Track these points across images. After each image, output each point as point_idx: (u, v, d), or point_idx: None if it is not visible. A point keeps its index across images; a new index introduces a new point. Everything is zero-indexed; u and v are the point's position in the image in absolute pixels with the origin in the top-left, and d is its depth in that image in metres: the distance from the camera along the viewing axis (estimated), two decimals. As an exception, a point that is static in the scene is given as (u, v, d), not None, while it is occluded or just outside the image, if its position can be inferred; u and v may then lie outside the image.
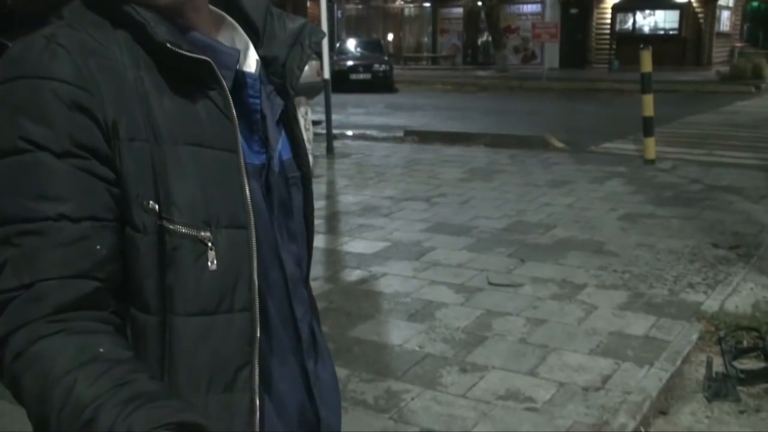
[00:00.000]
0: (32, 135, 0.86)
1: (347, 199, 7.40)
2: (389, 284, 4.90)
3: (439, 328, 4.17)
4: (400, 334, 4.11)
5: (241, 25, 1.09)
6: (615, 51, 26.82)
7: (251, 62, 1.06)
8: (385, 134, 12.09)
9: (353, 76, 20.69)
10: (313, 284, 4.38)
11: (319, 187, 7.99)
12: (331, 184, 8.28)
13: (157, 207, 0.91)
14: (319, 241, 5.94)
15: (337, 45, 23.23)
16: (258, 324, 0.98)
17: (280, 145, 1.08)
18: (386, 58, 22.47)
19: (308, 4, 31.17)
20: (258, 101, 1.04)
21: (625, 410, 3.26)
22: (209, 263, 0.93)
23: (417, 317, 4.34)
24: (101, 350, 0.85)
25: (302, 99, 8.78)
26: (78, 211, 0.87)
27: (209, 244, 0.93)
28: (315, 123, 9.81)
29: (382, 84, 20.79)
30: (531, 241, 5.81)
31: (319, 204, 7.23)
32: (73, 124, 0.87)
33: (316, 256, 5.50)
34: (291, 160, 1.12)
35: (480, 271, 5.10)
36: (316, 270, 5.19)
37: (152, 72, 0.94)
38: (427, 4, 31.37)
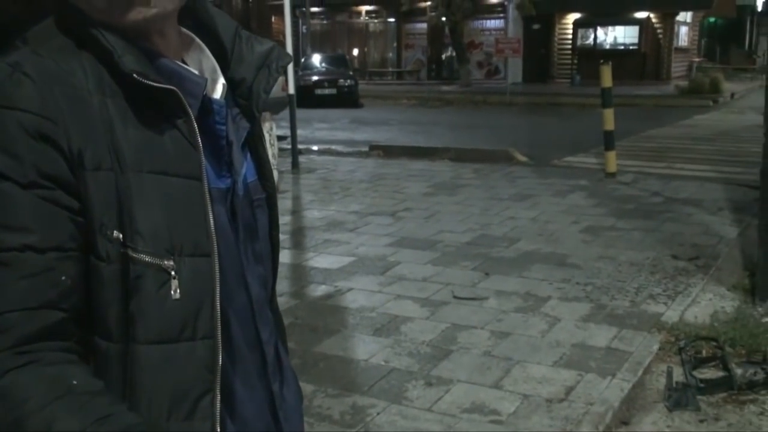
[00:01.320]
0: None
1: (312, 214, 7.41)
2: (355, 299, 4.91)
3: (404, 343, 4.19)
4: (365, 348, 4.12)
5: (209, 47, 1.09)
6: (577, 66, 27.19)
7: (218, 87, 1.06)
8: (350, 149, 12.12)
9: (318, 91, 20.71)
10: (278, 300, 4.36)
11: (284, 203, 7.97)
12: (296, 199, 8.27)
13: (121, 236, 0.90)
14: (284, 256, 5.92)
15: (302, 60, 23.25)
16: (220, 351, 0.98)
17: (245, 168, 1.09)
18: (351, 73, 22.55)
19: (273, 19, 31.21)
20: (224, 127, 1.04)
21: (588, 421, 3.31)
22: (172, 292, 0.93)
23: (382, 332, 4.35)
24: (74, 382, 0.86)
25: (267, 114, 8.77)
26: (43, 242, 0.87)
27: (172, 273, 0.93)
28: (280, 138, 9.81)
29: (347, 99, 20.83)
30: (495, 255, 5.86)
31: (284, 219, 7.22)
32: (38, 154, 0.87)
33: (282, 272, 5.47)
34: (256, 182, 1.12)
35: (445, 285, 5.14)
36: (282, 285, 5.18)
37: (117, 98, 0.93)
38: (392, 20, 31.54)
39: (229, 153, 1.05)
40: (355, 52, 31.95)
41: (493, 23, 29.57)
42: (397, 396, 3.57)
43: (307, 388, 3.65)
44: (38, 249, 0.87)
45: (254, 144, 1.13)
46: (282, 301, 4.82)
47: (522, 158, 10.71)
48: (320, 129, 15.39)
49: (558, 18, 28.69)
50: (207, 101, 1.02)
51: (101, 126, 0.91)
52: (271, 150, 8.28)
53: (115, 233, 0.90)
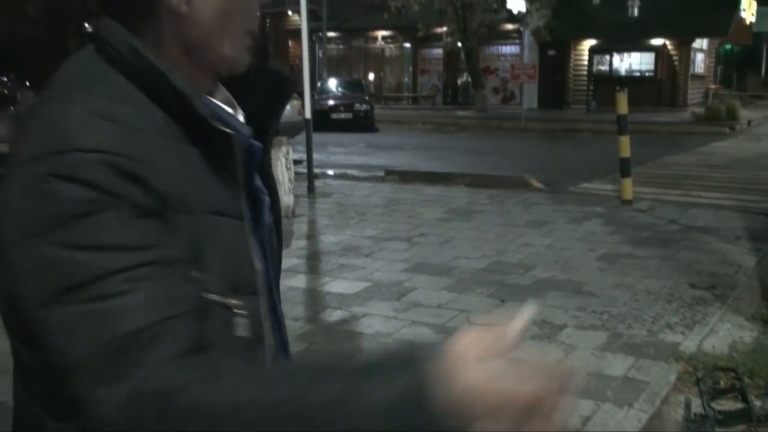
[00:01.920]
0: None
1: (328, 238, 7.42)
2: (370, 325, 4.90)
3: (419, 370, 4.16)
4: (380, 375, 4.10)
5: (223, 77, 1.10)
6: (592, 92, 27.24)
7: (241, 118, 1.09)
8: (365, 174, 12.16)
9: (334, 116, 20.83)
10: (293, 324, 4.39)
11: (300, 227, 8.00)
12: (312, 223, 8.30)
13: (201, 276, 0.90)
14: (299, 281, 5.94)
15: (319, 85, 23.41)
16: None
17: (267, 197, 1.12)
18: (367, 97, 22.66)
19: (290, 43, 31.50)
20: (256, 163, 1.07)
21: (605, 452, 3.27)
22: (238, 329, 0.96)
23: (398, 358, 4.33)
24: (256, 366, 0.97)
25: (283, 138, 8.83)
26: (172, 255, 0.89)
27: (239, 311, 0.96)
28: (296, 162, 9.85)
29: (363, 123, 20.93)
30: (511, 282, 5.84)
31: (300, 243, 7.24)
32: (132, 192, 0.86)
33: (297, 297, 5.50)
34: (270, 207, 1.15)
35: (460, 312, 5.12)
36: (297, 310, 5.19)
37: (178, 140, 0.94)
38: (408, 45, 31.75)
39: (257, 183, 1.09)
40: (371, 76, 32.15)
41: (508, 49, 29.69)
42: (413, 424, 3.54)
43: (322, 414, 3.64)
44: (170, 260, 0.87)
45: (267, 170, 1.16)
46: (297, 326, 4.84)
47: (537, 184, 10.70)
48: (336, 153, 15.46)
49: (574, 44, 28.79)
50: (250, 146, 1.04)
51: (173, 167, 0.91)
52: (288, 174, 8.32)
53: (198, 274, 0.90)
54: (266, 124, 1.12)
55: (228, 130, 0.96)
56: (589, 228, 7.76)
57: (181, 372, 0.80)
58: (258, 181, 1.09)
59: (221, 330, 0.92)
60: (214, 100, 1.03)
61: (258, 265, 1.01)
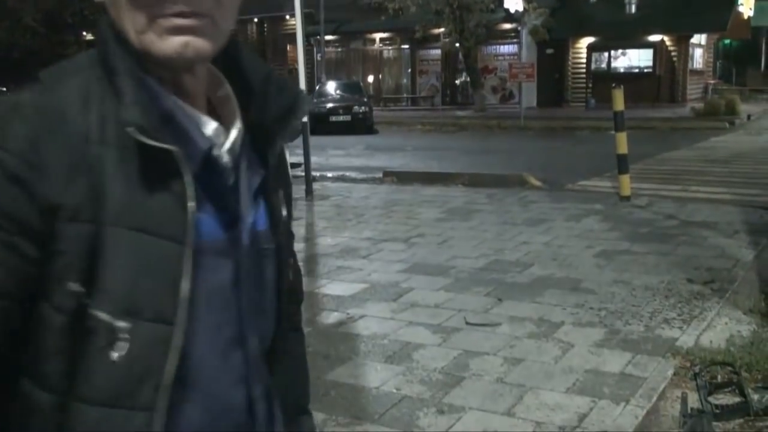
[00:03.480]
0: None
1: (326, 241, 7.42)
2: (367, 326, 4.90)
3: (416, 370, 4.17)
4: (377, 376, 4.10)
5: (237, 87, 1.06)
6: (591, 89, 27.22)
7: (232, 133, 1.03)
8: (364, 176, 12.16)
9: (333, 118, 20.84)
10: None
11: (297, 230, 7.99)
12: (309, 226, 8.29)
13: (82, 290, 0.88)
14: (297, 283, 5.92)
15: (317, 87, 23.42)
16: (160, 426, 0.92)
17: (253, 217, 1.05)
18: (366, 99, 22.68)
19: (288, 47, 31.52)
20: (229, 179, 1.01)
21: (601, 449, 3.26)
22: (116, 354, 0.89)
23: (394, 359, 4.33)
24: None
25: (280, 142, 8.82)
26: None
27: (124, 335, 0.89)
28: (294, 165, 9.85)
29: (361, 125, 20.94)
30: (508, 280, 5.83)
31: (298, 246, 7.19)
32: (7, 196, 0.86)
33: (294, 299, 5.48)
34: (267, 231, 1.08)
35: (457, 311, 5.11)
36: (294, 313, 5.17)
37: (118, 147, 0.91)
38: (406, 46, 31.76)
39: (236, 202, 1.02)
40: (370, 78, 32.17)
41: (506, 48, 29.69)
42: (409, 424, 3.54)
43: (318, 416, 3.64)
44: None
45: (268, 192, 1.09)
46: (294, 329, 4.82)
47: (536, 183, 10.70)
48: (335, 156, 15.46)
49: (572, 42, 28.78)
50: (213, 160, 0.99)
51: (89, 176, 0.89)
52: (285, 177, 8.31)
53: (76, 286, 0.88)
54: (273, 147, 1.07)
55: (159, 145, 0.90)
56: (588, 225, 7.75)
57: None
58: (245, 199, 1.02)
59: (99, 350, 0.89)
60: (183, 105, 0.98)
61: (184, 292, 0.92)
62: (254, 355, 1.05)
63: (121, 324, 0.89)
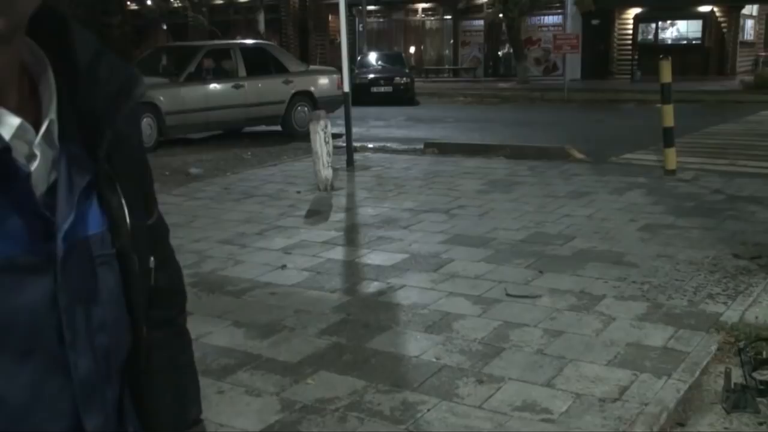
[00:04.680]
0: None
1: (366, 211, 7.44)
2: (407, 296, 4.91)
3: (456, 340, 4.18)
4: (417, 345, 4.13)
5: (61, 64, 0.90)
6: (637, 61, 26.69)
7: (43, 126, 0.87)
8: (405, 147, 12.12)
9: (374, 89, 20.75)
10: (332, 296, 4.44)
11: (339, 200, 8.03)
12: (350, 196, 8.32)
13: None
14: (337, 253, 5.97)
15: (358, 58, 23.34)
16: None
17: (74, 222, 0.88)
18: (407, 70, 22.52)
19: (330, 17, 31.41)
20: (36, 183, 0.85)
21: (642, 421, 3.25)
22: None
23: (434, 329, 4.35)
24: None
25: (322, 112, 8.85)
26: None
27: None
28: (335, 136, 9.87)
29: (403, 97, 20.83)
30: (550, 253, 5.79)
31: (338, 216, 7.27)
32: None
33: (335, 268, 5.53)
34: (102, 235, 0.92)
35: (498, 283, 5.10)
36: (335, 282, 5.22)
37: None
38: (448, 17, 31.44)
39: (49, 207, 0.86)
40: (412, 49, 31.94)
41: (551, 19, 29.21)
42: (448, 393, 3.56)
43: (358, 383, 3.68)
44: None
45: (101, 190, 0.93)
46: (335, 298, 4.87)
47: (579, 155, 10.56)
48: (376, 127, 15.43)
49: (618, 13, 28.20)
50: (11, 166, 0.83)
51: None
52: (326, 148, 8.34)
53: None
54: (101, 136, 0.91)
55: None
56: (631, 198, 7.64)
57: None
58: (63, 202, 0.88)
59: None
60: None
61: None
62: (86, 380, 0.90)
63: None
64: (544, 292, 4.89)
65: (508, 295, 4.87)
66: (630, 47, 27.94)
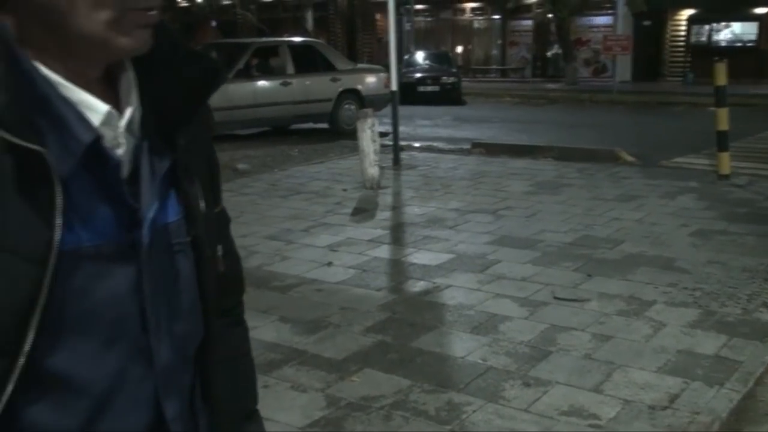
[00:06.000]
0: None
1: (413, 210, 7.42)
2: (453, 296, 4.89)
3: (502, 342, 4.14)
4: (462, 346, 4.10)
5: (141, 59, 0.91)
6: (690, 64, 26.20)
7: (126, 114, 0.89)
8: (451, 146, 12.07)
9: (421, 89, 20.70)
10: (377, 294, 4.41)
11: (385, 198, 8.03)
12: (396, 195, 8.31)
13: None
14: (383, 251, 5.97)
15: (406, 57, 23.32)
16: None
17: (158, 210, 0.90)
18: (454, 70, 22.45)
19: (377, 16, 31.45)
20: (123, 170, 0.87)
21: (694, 430, 3.18)
22: None
23: (480, 330, 4.32)
24: None
25: (369, 111, 8.85)
26: None
27: None
28: (382, 135, 9.86)
29: (449, 96, 20.75)
30: (598, 256, 5.71)
31: (384, 215, 7.27)
32: None
33: (381, 267, 5.53)
34: (179, 223, 0.94)
35: (545, 285, 5.05)
36: (381, 280, 5.22)
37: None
38: (497, 17, 31.23)
39: (134, 195, 0.88)
40: (459, 49, 31.80)
41: (601, 20, 28.80)
42: (494, 395, 3.53)
43: (403, 382, 3.67)
44: None
45: (180, 178, 0.94)
46: (380, 296, 4.87)
47: (629, 158, 10.40)
48: (422, 126, 15.40)
49: (671, 14, 27.70)
50: (101, 153, 0.84)
51: None
52: (373, 146, 8.35)
53: None
54: (178, 124, 0.93)
55: (21, 143, 0.77)
56: (682, 203, 7.50)
57: None
58: (146, 189, 0.89)
59: None
60: (68, 87, 0.83)
61: (34, 319, 0.78)
62: (167, 367, 0.91)
63: None
64: (593, 296, 4.82)
65: (555, 298, 4.81)
66: (683, 49, 27.42)
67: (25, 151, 0.77)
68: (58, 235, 0.79)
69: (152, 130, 0.91)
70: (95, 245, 0.83)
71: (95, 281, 0.83)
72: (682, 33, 27.66)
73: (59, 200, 0.79)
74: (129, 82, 0.90)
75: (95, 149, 0.83)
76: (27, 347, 0.78)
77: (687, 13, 27.28)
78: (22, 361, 0.78)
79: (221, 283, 1.06)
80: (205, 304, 0.99)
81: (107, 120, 0.85)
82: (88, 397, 0.84)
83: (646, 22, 27.34)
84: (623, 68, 26.00)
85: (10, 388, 0.78)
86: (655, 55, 27.93)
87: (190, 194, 0.96)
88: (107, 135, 0.86)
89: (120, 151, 0.87)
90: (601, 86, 23.93)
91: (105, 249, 0.84)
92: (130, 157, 0.89)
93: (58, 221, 0.79)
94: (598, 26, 28.69)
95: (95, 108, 0.85)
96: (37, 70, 0.82)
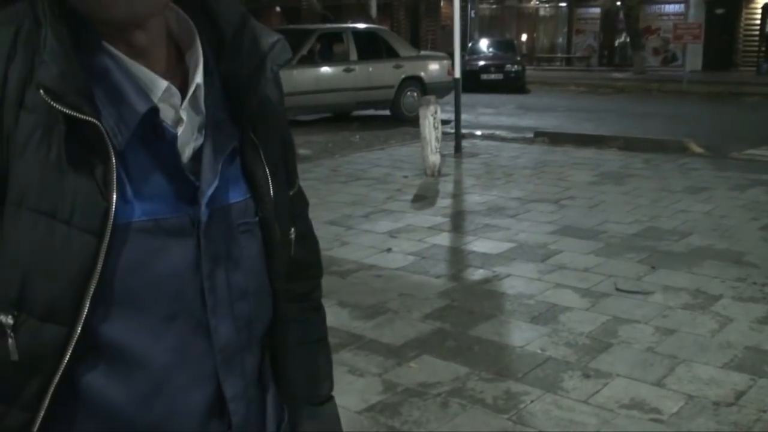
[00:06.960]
0: None
1: (473, 198, 7.37)
2: (513, 285, 4.84)
3: (562, 332, 4.08)
4: (521, 335, 4.06)
5: (207, 31, 0.92)
6: (765, 53, 25.33)
7: (190, 91, 0.89)
8: (514, 135, 11.95)
9: (484, 76, 20.53)
10: (436, 281, 4.42)
11: (446, 186, 7.99)
12: (457, 183, 8.26)
13: None
14: (443, 239, 5.95)
15: (470, 45, 23.14)
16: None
17: (217, 188, 0.89)
18: (518, 58, 22.17)
19: (442, 3, 31.27)
20: (180, 147, 0.87)
21: (760, 429, 3.09)
22: (10, 350, 0.80)
23: (540, 320, 4.27)
24: None
25: (432, 98, 8.81)
26: None
27: (8, 331, 0.79)
28: (444, 122, 9.81)
29: (513, 84, 20.53)
30: (663, 248, 5.58)
31: (445, 202, 7.24)
32: None
33: (440, 254, 5.51)
34: (245, 203, 0.93)
35: (607, 277, 4.96)
36: (440, 268, 5.20)
37: (36, 113, 0.79)
38: (563, 4, 30.73)
39: (194, 171, 0.87)
40: (524, 37, 31.41)
41: (671, 8, 28.08)
42: (553, 385, 3.49)
43: (461, 370, 3.66)
44: None
45: (246, 156, 0.93)
46: (439, 283, 4.85)
47: (698, 149, 10.12)
48: (485, 114, 15.27)
49: (745, 2, 26.82)
50: (158, 127, 0.85)
51: None
52: (435, 133, 8.31)
53: None
54: (247, 102, 0.92)
55: (76, 114, 0.77)
56: (753, 196, 7.26)
57: None
58: (208, 166, 0.88)
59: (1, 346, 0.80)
60: (127, 62, 0.84)
61: (89, 291, 0.79)
62: (227, 346, 0.91)
63: (5, 319, 0.79)
64: (657, 289, 4.72)
65: (618, 289, 4.72)
66: (757, 38, 26.51)
67: (79, 122, 0.78)
68: (113, 207, 0.79)
69: (219, 107, 0.91)
70: (154, 219, 0.84)
71: (153, 255, 0.83)
72: (757, 21, 26.74)
73: (115, 172, 0.80)
74: (197, 59, 0.90)
75: (152, 123, 0.83)
76: (83, 317, 0.79)
77: (763, 0, 26.37)
78: (79, 329, 0.79)
79: (294, 267, 1.04)
80: (274, 286, 0.98)
81: (165, 96, 0.86)
82: (148, 370, 0.85)
83: (719, 10, 26.53)
84: (694, 57, 25.29)
85: (68, 355, 0.80)
86: (728, 44, 27.09)
87: (258, 173, 0.94)
88: (166, 110, 0.86)
89: (180, 128, 0.87)
90: (670, 76, 23.33)
91: (164, 224, 0.84)
92: (194, 135, 0.88)
93: (114, 194, 0.79)
94: (668, 14, 27.99)
95: (155, 83, 0.85)
96: (101, 44, 0.83)
